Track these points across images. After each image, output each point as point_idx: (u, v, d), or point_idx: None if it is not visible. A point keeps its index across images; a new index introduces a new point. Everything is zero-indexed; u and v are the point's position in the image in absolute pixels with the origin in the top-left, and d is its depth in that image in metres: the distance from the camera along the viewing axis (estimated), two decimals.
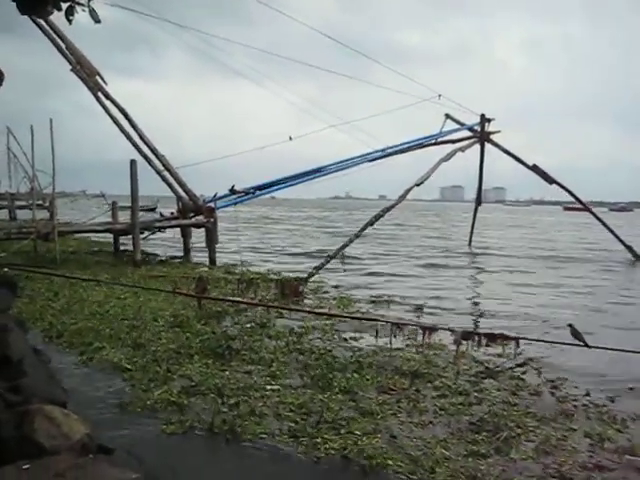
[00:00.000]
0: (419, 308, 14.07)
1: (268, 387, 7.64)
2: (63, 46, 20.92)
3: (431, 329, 9.68)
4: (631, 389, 8.40)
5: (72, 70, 21.14)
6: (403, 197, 22.24)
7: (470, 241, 35.22)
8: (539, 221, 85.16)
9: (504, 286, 19.41)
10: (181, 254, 24.53)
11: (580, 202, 29.53)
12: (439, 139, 28.76)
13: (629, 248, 28.38)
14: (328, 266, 18.72)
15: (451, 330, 9.40)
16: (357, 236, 20.04)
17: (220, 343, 9.44)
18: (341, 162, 26.43)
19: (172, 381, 7.77)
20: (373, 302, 14.80)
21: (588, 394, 8.04)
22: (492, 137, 28.95)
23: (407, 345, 10.11)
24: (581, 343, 8.42)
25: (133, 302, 12.98)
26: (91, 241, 29.04)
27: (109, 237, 26.10)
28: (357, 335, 10.85)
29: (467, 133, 29.42)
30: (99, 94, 21.66)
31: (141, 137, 22.32)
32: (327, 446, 5.93)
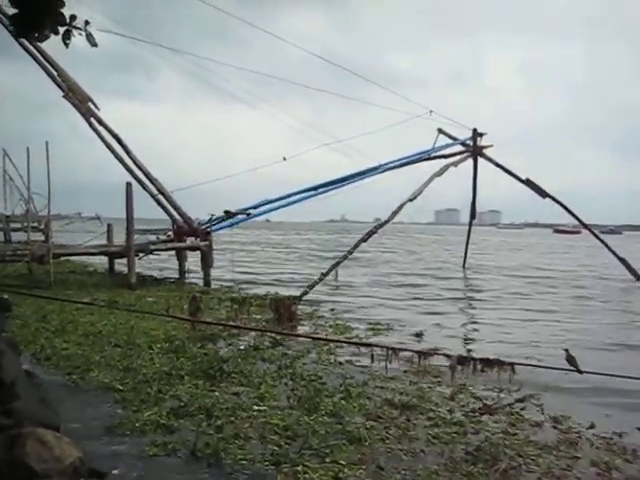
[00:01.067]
0: (419, 334, 13.93)
1: (255, 408, 7.62)
2: (55, 73, 21.00)
3: (426, 354, 9.58)
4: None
5: (64, 97, 21.21)
6: (396, 213, 22.30)
7: (465, 262, 35.26)
8: (535, 244, 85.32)
9: (499, 311, 19.37)
10: (176, 276, 24.50)
11: (574, 217, 29.16)
12: (432, 154, 28.76)
13: (631, 269, 28.07)
14: (323, 292, 18.71)
15: (446, 355, 9.31)
16: (350, 252, 20.13)
17: (212, 365, 9.41)
18: (335, 180, 26.44)
19: (163, 402, 7.75)
20: (371, 329, 14.57)
21: (592, 426, 7.77)
22: (485, 151, 29.02)
23: (405, 371, 9.98)
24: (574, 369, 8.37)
25: (126, 324, 12.91)
26: (86, 264, 29.01)
27: (104, 260, 26.07)
28: (353, 359, 10.74)
29: (460, 148, 29.46)
30: (92, 120, 21.73)
31: (134, 162, 22.38)
32: (307, 476, 5.71)
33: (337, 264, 19.76)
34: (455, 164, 27.49)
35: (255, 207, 25.16)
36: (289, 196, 25.54)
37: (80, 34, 5.23)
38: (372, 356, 10.11)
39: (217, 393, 8.18)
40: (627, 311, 20.11)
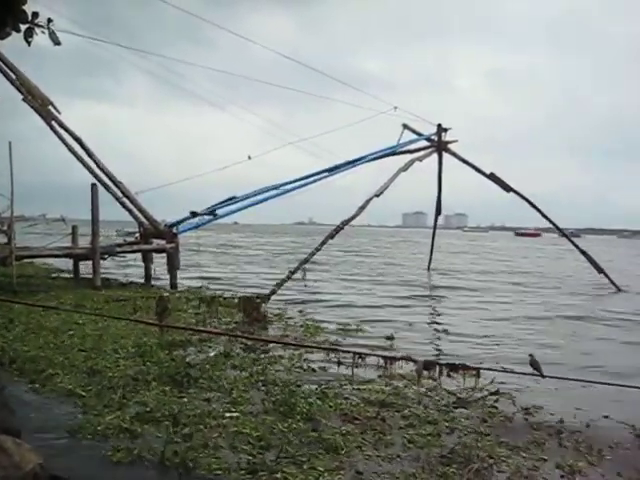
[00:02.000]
0: (389, 338, 13.86)
1: (227, 415, 7.42)
2: (13, 76, 20.69)
3: (393, 358, 9.60)
4: (606, 417, 8.34)
5: (24, 100, 20.89)
6: (363, 208, 22.21)
7: (429, 265, 35.54)
8: (501, 247, 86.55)
9: (465, 311, 19.56)
10: (142, 279, 24.28)
11: (539, 212, 28.37)
12: (398, 150, 28.72)
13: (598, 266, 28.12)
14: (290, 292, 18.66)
15: (413, 360, 9.36)
16: (318, 250, 20.13)
17: (179, 370, 9.20)
18: (301, 178, 26.24)
19: (127, 407, 7.54)
20: (342, 330, 14.58)
21: (562, 421, 7.98)
22: (449, 146, 29.13)
23: (379, 376, 9.89)
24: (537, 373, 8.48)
25: (93, 329, 12.63)
26: (50, 267, 28.63)
27: (69, 262, 25.73)
28: (326, 365, 10.62)
29: (425, 143, 29.43)
30: (53, 123, 21.44)
31: (97, 164, 22.13)
32: None
33: (304, 262, 19.78)
34: (420, 159, 27.53)
35: (221, 205, 24.95)
36: (256, 194, 25.36)
37: (43, 32, 5.15)
38: (339, 362, 10.19)
39: (185, 399, 7.96)
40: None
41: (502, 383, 9.58)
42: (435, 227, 34.01)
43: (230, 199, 25.24)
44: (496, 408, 8.41)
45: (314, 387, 9.01)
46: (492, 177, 27.89)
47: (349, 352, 10.27)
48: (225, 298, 18.08)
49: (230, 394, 8.36)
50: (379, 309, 19.43)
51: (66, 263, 25.88)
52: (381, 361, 9.58)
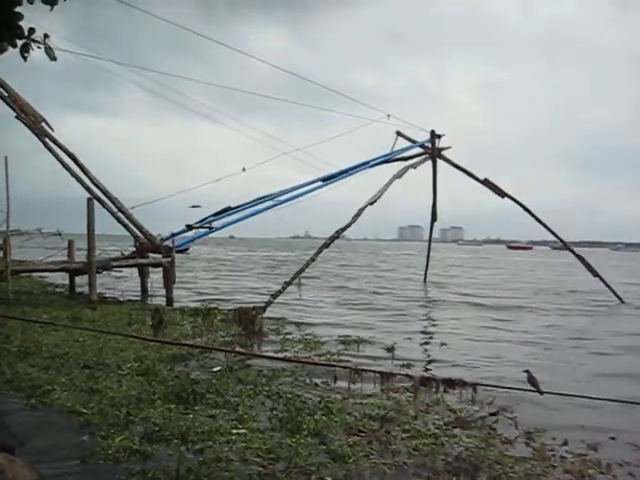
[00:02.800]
0: (390, 349, 13.77)
1: (234, 431, 7.32)
2: (5, 94, 20.73)
3: (390, 374, 9.54)
4: (613, 438, 8.11)
5: (17, 117, 20.93)
6: (357, 216, 22.09)
7: (425, 277, 35.63)
8: (496, 260, 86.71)
9: (461, 323, 19.55)
10: (138, 294, 24.24)
11: (535, 217, 27.94)
12: (392, 157, 28.66)
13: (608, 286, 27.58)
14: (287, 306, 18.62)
15: (409, 376, 9.32)
16: (313, 260, 20.14)
17: (184, 387, 9.04)
18: (295, 188, 26.20)
19: (134, 425, 7.36)
20: (342, 343, 14.47)
21: (566, 443, 7.76)
22: (443, 153, 29.07)
23: (382, 390, 9.78)
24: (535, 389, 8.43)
25: (92, 344, 12.46)
26: (46, 281, 28.58)
27: (65, 277, 25.69)
28: (328, 379, 10.42)
29: (419, 150, 29.39)
30: (46, 140, 21.47)
31: (92, 181, 22.13)
32: None
33: (300, 272, 19.75)
34: (414, 166, 27.55)
35: (216, 217, 24.92)
36: (251, 203, 25.38)
37: (39, 47, 5.18)
38: (335, 377, 10.08)
39: (191, 416, 7.83)
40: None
41: (502, 401, 9.40)
42: (430, 238, 34.13)
43: (225, 210, 25.22)
44: (495, 430, 8.24)
45: (317, 401, 8.98)
46: (486, 183, 27.77)
47: (346, 368, 10.18)
48: (220, 310, 18.06)
49: (236, 410, 8.26)
50: (376, 322, 19.31)
51: (62, 277, 25.85)
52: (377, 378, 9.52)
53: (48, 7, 5.21)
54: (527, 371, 8.65)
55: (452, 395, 8.95)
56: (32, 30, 5.12)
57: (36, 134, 21.25)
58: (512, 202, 27.42)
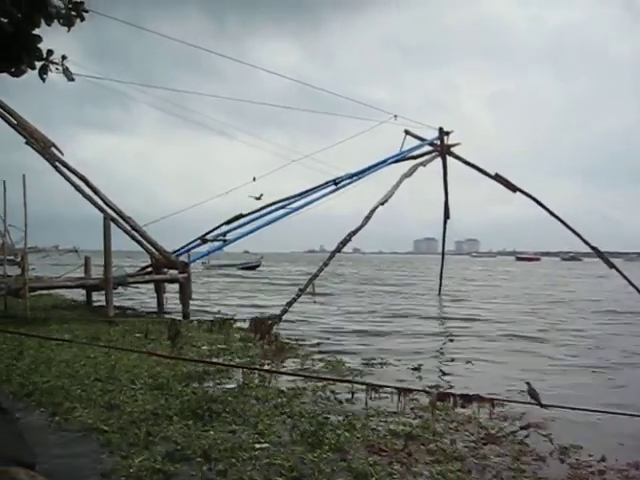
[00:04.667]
0: (416, 369, 13.52)
1: (257, 446, 7.20)
2: (14, 122, 20.92)
3: (407, 390, 9.42)
4: None
5: (26, 143, 21.10)
6: (369, 217, 21.89)
7: (440, 290, 35.46)
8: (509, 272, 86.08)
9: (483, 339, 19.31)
10: (155, 309, 24.28)
11: (551, 213, 26.87)
12: (401, 157, 28.39)
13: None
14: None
15: (426, 392, 9.23)
16: (326, 264, 20.05)
17: (200, 404, 8.92)
18: (306, 191, 26.13)
19: (154, 445, 7.22)
20: (366, 364, 14.03)
21: (604, 459, 7.46)
22: (453, 150, 28.77)
23: (412, 408, 9.48)
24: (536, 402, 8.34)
25: (107, 362, 12.36)
26: (63, 297, 28.68)
27: (82, 293, 25.83)
28: (351, 397, 10.08)
29: (429, 148, 29.10)
30: (57, 164, 21.61)
31: (105, 201, 22.24)
32: None
33: (314, 277, 19.66)
34: (424, 164, 27.27)
35: (228, 224, 24.90)
36: (262, 209, 25.40)
37: (57, 69, 5.25)
38: (352, 393, 9.94)
39: (212, 432, 7.70)
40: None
41: (534, 417, 9.17)
42: (444, 247, 33.87)
43: (237, 217, 25.23)
44: (527, 445, 8.00)
45: (341, 418, 8.77)
46: (497, 178, 27.24)
47: (363, 384, 10.08)
48: (236, 320, 18.07)
49: (255, 427, 8.11)
50: (397, 338, 19.12)
51: (80, 293, 25.98)
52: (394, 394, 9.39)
53: (63, 28, 5.30)
54: (528, 383, 8.57)
55: (482, 411, 8.81)
56: (50, 52, 5.19)
57: (47, 159, 21.39)
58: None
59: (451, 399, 8.56)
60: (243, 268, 76.68)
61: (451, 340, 19.29)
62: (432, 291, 37.19)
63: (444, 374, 13.59)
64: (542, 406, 8.22)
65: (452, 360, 15.29)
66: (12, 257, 30.73)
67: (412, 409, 9.49)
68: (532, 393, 8.30)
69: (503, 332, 20.55)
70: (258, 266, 79.69)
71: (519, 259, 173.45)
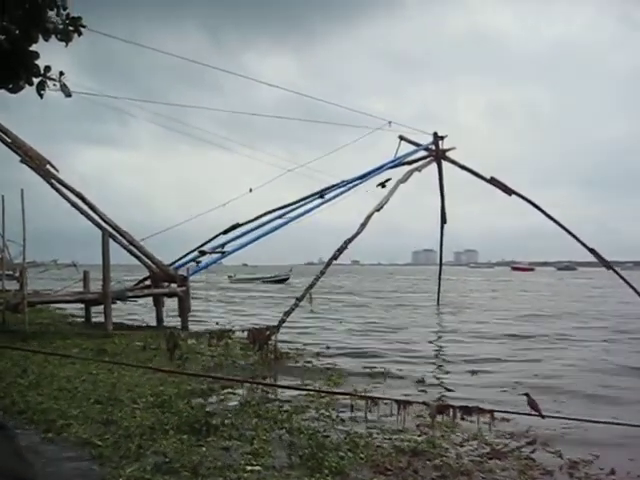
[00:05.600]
0: (420, 381, 13.45)
1: (248, 468, 6.97)
2: (8, 140, 20.89)
3: (406, 402, 9.33)
4: None
5: (21, 162, 21.07)
6: (364, 225, 21.29)
7: (438, 300, 35.47)
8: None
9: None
10: (154, 323, 24.19)
11: (548, 216, 25.99)
12: (396, 163, 28.00)
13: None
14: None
15: (426, 404, 9.18)
16: (322, 273, 20.00)
17: (198, 419, 8.83)
18: (302, 199, 26.06)
19: (144, 457, 7.19)
20: (369, 375, 13.88)
21: (613, 472, 7.38)
22: (448, 154, 28.54)
23: (418, 425, 9.30)
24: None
25: (107, 378, 12.21)
26: (62, 312, 28.60)
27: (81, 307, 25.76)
28: (354, 414, 9.90)
29: (424, 153, 28.79)
30: (53, 181, 21.57)
31: (102, 218, 22.16)
32: None
33: (311, 287, 19.65)
34: (419, 169, 27.05)
35: (225, 234, 24.89)
36: (259, 217, 25.41)
37: (55, 85, 5.25)
38: (352, 406, 9.83)
39: (204, 448, 7.61)
40: None
41: (542, 430, 9.02)
42: (441, 253, 33.63)
43: (234, 227, 25.21)
44: (534, 460, 7.84)
45: (343, 437, 8.51)
46: (493, 181, 26.77)
47: (363, 398, 9.97)
48: (234, 332, 18.02)
49: (251, 444, 7.93)
50: (396, 349, 19.06)
51: (79, 308, 25.90)
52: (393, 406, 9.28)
53: (60, 43, 5.31)
54: (527, 394, 8.55)
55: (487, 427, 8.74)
56: (48, 68, 5.19)
57: (42, 176, 21.33)
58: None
59: (451, 411, 8.54)
60: (271, 282, 73.20)
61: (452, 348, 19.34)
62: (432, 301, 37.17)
63: (446, 384, 13.56)
64: (542, 417, 8.19)
65: (456, 371, 15.24)
66: (11, 272, 30.67)
67: (417, 426, 9.31)
68: (532, 404, 8.27)
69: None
70: (287, 279, 75.62)
71: (514, 269, 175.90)
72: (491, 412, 8.74)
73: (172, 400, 10.26)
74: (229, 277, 66.19)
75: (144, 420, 8.91)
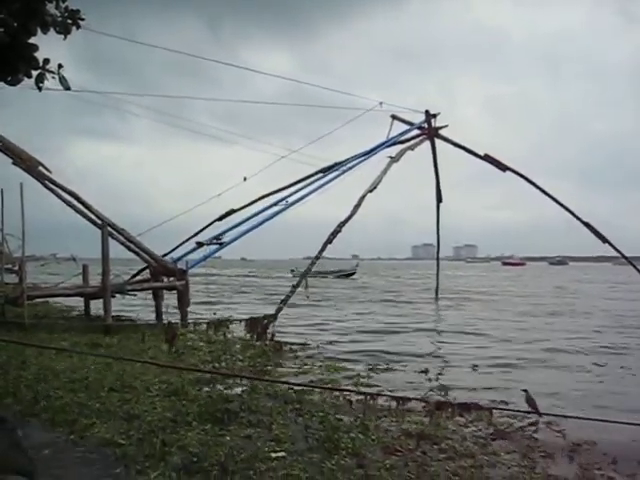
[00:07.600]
0: (424, 372, 13.53)
1: (273, 455, 7.02)
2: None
3: (405, 399, 9.35)
4: None
5: (14, 164, 20.99)
6: (358, 206, 21.72)
7: (437, 293, 35.54)
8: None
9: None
10: (153, 317, 24.16)
11: (541, 190, 26.56)
12: (389, 143, 28.12)
13: None
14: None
15: (424, 400, 9.22)
16: (318, 258, 20.18)
17: (217, 407, 8.87)
18: (295, 182, 26.07)
19: (170, 455, 6.90)
20: (370, 368, 13.94)
21: (615, 462, 7.40)
22: (440, 132, 28.70)
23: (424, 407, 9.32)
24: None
25: (110, 370, 12.01)
26: (61, 306, 28.58)
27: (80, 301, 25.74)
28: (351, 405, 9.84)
29: (417, 132, 29.01)
30: (46, 182, 21.49)
31: (98, 216, 22.08)
32: None
33: (305, 273, 19.72)
34: (412, 147, 27.30)
35: (220, 220, 24.97)
36: (254, 203, 25.53)
37: (53, 77, 5.27)
38: (350, 402, 9.72)
39: (228, 438, 7.54)
40: None
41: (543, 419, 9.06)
42: (439, 240, 33.67)
43: (229, 213, 25.20)
44: (536, 440, 8.09)
45: (354, 418, 8.76)
46: (487, 158, 27.23)
47: (360, 393, 9.99)
48: (232, 321, 18.07)
49: (270, 429, 8.06)
50: (396, 339, 19.37)
51: (78, 301, 25.90)
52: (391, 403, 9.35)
53: (57, 36, 5.33)
54: (525, 391, 8.58)
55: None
56: (47, 61, 5.21)
57: (35, 177, 21.24)
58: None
59: (449, 408, 8.57)
60: (338, 276, 70.87)
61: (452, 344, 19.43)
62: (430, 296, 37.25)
63: (447, 379, 13.55)
64: (540, 414, 8.22)
65: (456, 365, 15.30)
66: (10, 265, 30.68)
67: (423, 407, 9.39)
68: (530, 402, 8.31)
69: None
70: (353, 274, 74.10)
71: (505, 264, 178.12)
72: (490, 409, 8.80)
73: (184, 388, 10.27)
74: (291, 271, 64.97)
75: (165, 411, 8.78)
